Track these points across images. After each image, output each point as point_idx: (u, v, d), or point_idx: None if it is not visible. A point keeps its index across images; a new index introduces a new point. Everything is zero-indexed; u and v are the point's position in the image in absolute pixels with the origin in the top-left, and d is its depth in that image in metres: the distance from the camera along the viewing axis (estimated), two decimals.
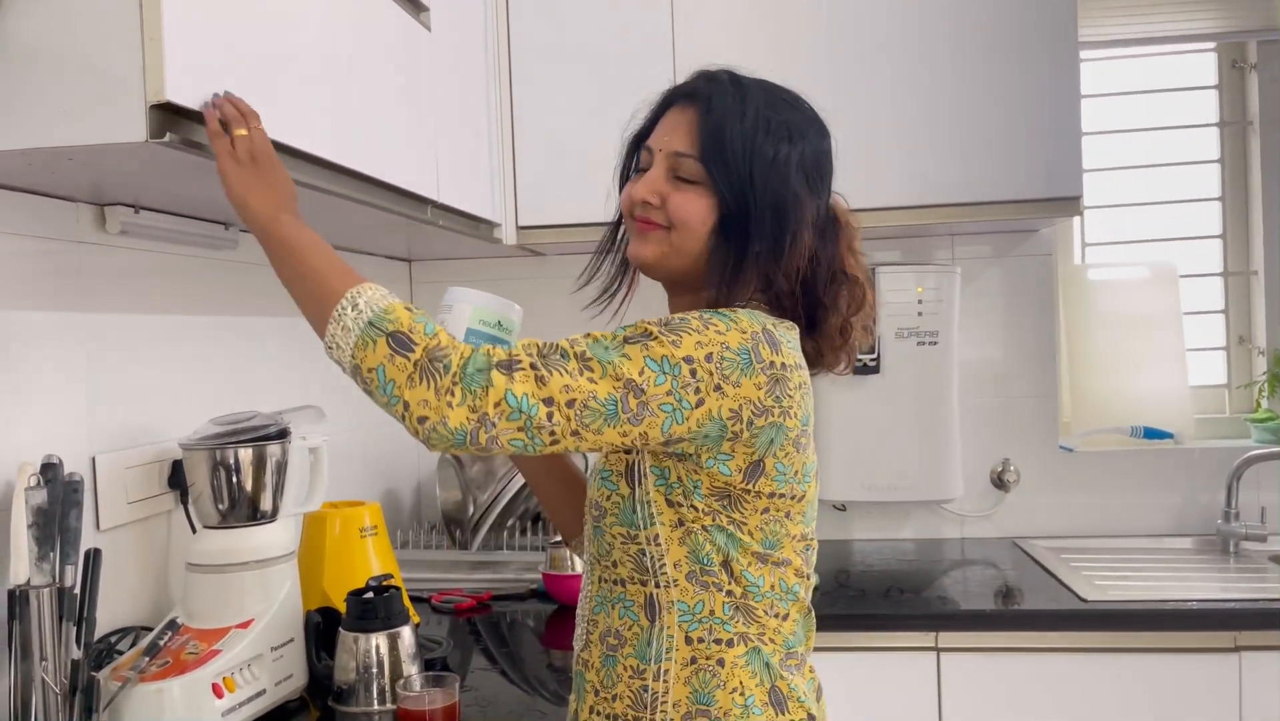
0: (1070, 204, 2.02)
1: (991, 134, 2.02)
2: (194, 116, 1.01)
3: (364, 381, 0.96)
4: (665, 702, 1.04)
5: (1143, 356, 2.41)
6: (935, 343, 2.20)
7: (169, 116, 0.98)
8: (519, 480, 2.13)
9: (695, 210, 1.07)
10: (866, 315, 1.15)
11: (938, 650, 1.80)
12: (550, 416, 0.92)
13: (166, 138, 0.98)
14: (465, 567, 2.09)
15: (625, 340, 0.98)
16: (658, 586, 1.05)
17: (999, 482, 2.35)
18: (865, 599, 1.93)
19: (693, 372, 0.96)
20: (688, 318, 1.00)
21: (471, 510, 2.16)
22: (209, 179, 1.21)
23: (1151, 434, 2.34)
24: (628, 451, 1.05)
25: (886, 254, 2.37)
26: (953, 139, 2.02)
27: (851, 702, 1.69)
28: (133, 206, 1.39)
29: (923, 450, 2.22)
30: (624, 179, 1.17)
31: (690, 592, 1.04)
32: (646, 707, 1.05)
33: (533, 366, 0.94)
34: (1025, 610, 1.82)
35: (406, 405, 0.92)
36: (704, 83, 1.10)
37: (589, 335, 0.99)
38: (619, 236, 1.19)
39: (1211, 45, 2.48)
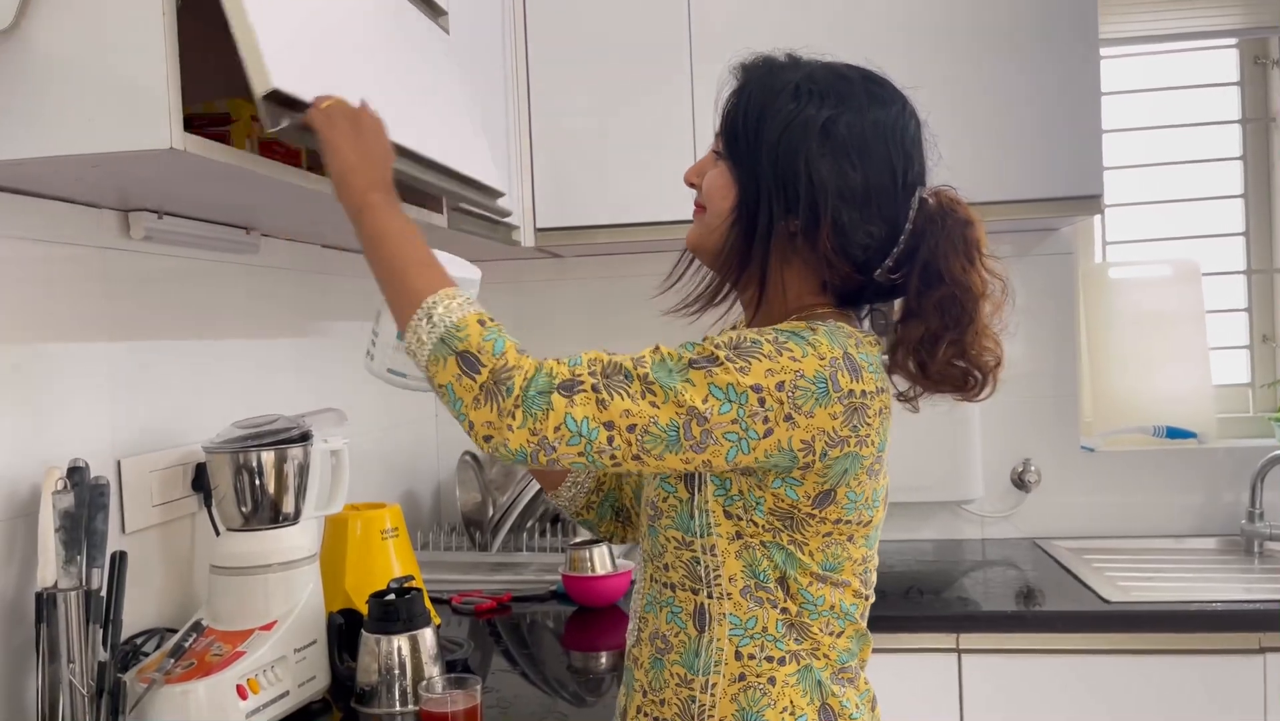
0: (1091, 202, 2.01)
1: (1011, 132, 2.01)
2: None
3: (437, 391, 0.96)
4: (712, 717, 1.03)
5: (1165, 355, 2.40)
6: None
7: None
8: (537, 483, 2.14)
9: (718, 185, 1.05)
10: (975, 332, 1.03)
11: (959, 651, 1.79)
12: (611, 440, 0.92)
13: (187, 148, 0.98)
14: (485, 569, 2.10)
15: (690, 363, 0.94)
16: (710, 597, 1.03)
17: (1020, 483, 2.34)
18: (886, 600, 1.91)
19: (761, 401, 0.93)
20: (760, 340, 0.96)
21: (491, 511, 2.17)
22: (230, 183, 1.22)
23: (1174, 433, 2.33)
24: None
25: None
26: (971, 137, 2.01)
27: None
28: (156, 212, 1.41)
29: (942, 450, 2.22)
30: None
31: (744, 607, 1.02)
32: (694, 719, 1.03)
33: (594, 388, 0.92)
34: (1046, 611, 1.82)
35: (472, 424, 0.93)
36: (743, 71, 1.08)
37: (656, 351, 0.96)
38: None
39: (1233, 41, 2.46)
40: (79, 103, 0.97)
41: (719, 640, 1.02)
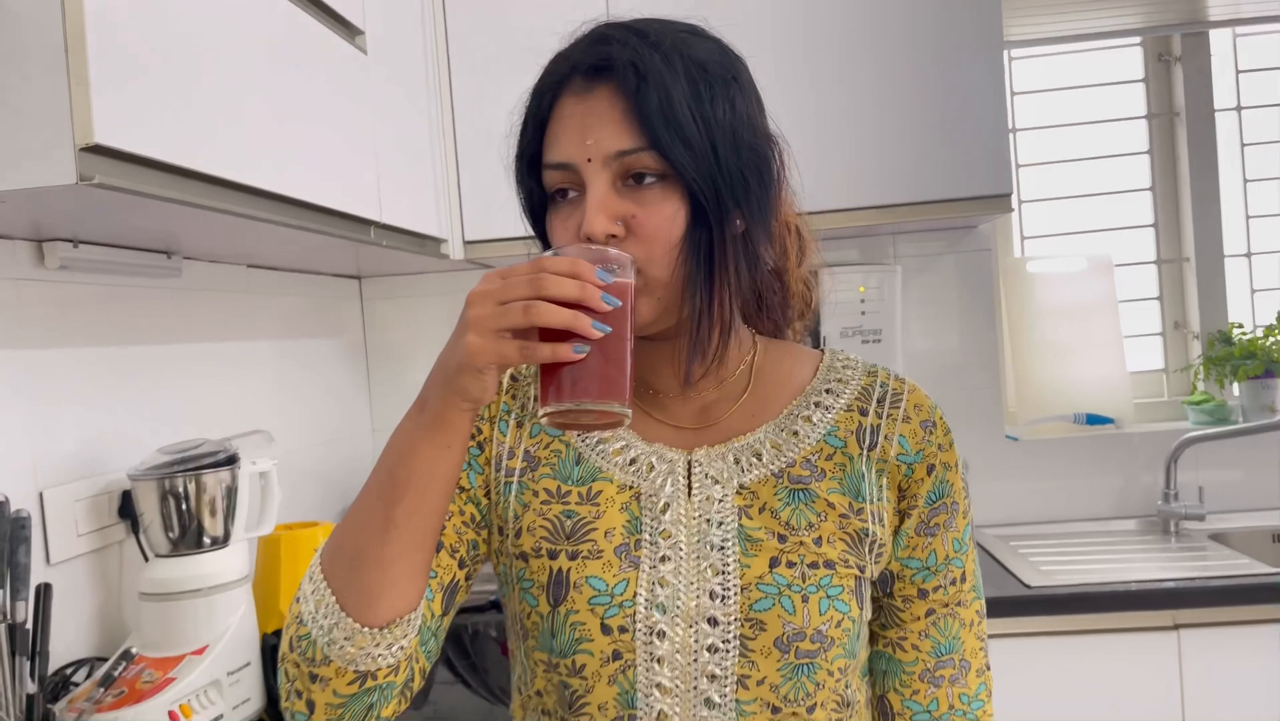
0: (1001, 201, 2.07)
1: (921, 134, 2.06)
2: (122, 156, 1.03)
3: None
4: None
5: (1083, 344, 2.48)
6: (879, 340, 2.25)
7: (98, 158, 1.00)
8: None
9: (664, 212, 0.81)
10: (807, 266, 0.98)
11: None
12: None
13: (96, 179, 0.99)
14: None
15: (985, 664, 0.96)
16: None
17: None
18: None
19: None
20: (964, 545, 0.93)
21: None
22: (144, 212, 1.23)
23: (1093, 420, 2.41)
24: (860, 567, 0.87)
25: (833, 254, 2.41)
26: (884, 140, 2.06)
27: None
28: (71, 241, 1.40)
29: None
30: (537, 224, 0.89)
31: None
32: None
33: None
34: None
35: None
36: (614, 47, 0.82)
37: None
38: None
39: (1137, 40, 2.55)
40: None
41: None
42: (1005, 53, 2.44)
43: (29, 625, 1.19)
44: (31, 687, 1.16)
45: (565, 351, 0.73)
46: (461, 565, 0.91)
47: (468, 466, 0.93)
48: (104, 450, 1.49)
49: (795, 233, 0.98)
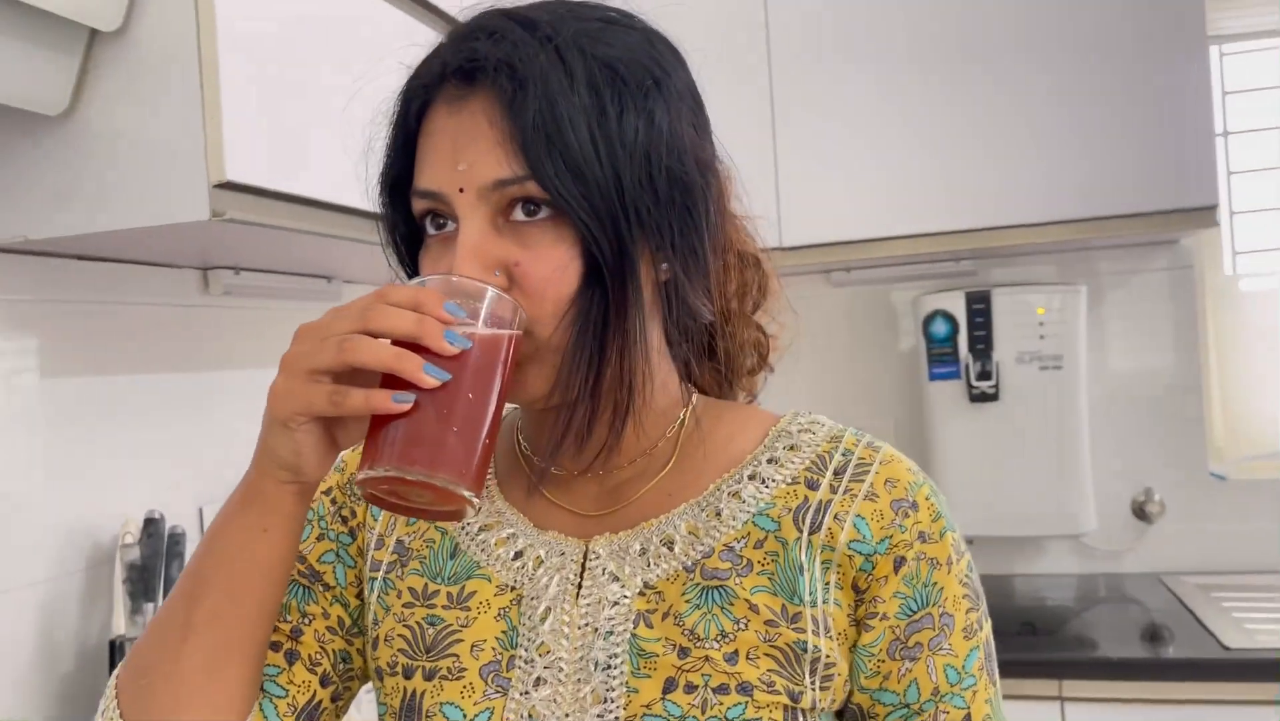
0: (1206, 214, 1.87)
1: (1115, 141, 1.89)
2: (251, 190, 1.06)
3: None
4: None
5: None
6: (1060, 366, 2.08)
7: (229, 193, 1.03)
8: None
9: (553, 260, 0.62)
10: (770, 306, 0.80)
11: (1061, 700, 1.69)
12: None
13: (227, 215, 1.03)
14: None
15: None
16: None
17: (1141, 514, 2.19)
18: None
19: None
20: (967, 595, 0.69)
21: None
22: (294, 243, 1.28)
23: None
24: (794, 695, 0.66)
25: (1011, 272, 2.25)
26: (1072, 148, 1.90)
27: None
28: (234, 269, 1.48)
29: (1050, 480, 2.10)
30: (402, 258, 0.71)
31: None
32: None
33: None
34: (1156, 659, 1.69)
35: None
36: (483, 43, 0.62)
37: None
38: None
39: None
40: (128, 180, 1.03)
41: None
42: (1216, 49, 2.21)
43: None
44: None
45: (381, 400, 0.57)
46: (325, 681, 0.73)
47: (335, 558, 0.75)
48: None
49: (753, 265, 0.78)
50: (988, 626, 0.71)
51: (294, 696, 0.71)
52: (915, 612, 0.66)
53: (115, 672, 0.68)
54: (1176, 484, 2.18)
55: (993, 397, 2.08)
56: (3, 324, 1.17)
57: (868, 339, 2.35)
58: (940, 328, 2.12)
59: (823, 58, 2.01)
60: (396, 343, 0.57)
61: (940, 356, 2.12)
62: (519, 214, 0.62)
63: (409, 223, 0.69)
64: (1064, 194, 1.91)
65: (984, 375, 2.07)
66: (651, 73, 0.64)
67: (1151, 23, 1.88)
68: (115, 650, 1.18)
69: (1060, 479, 2.09)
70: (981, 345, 2.09)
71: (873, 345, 2.34)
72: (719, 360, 0.78)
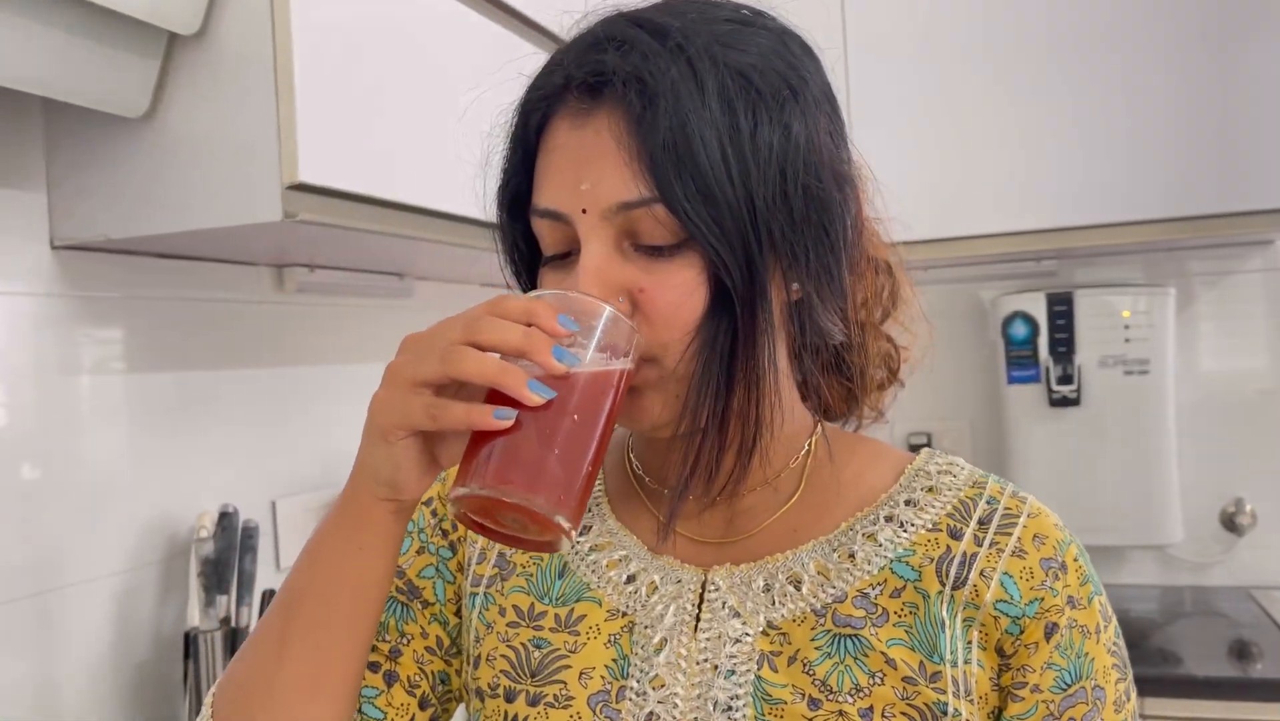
0: None
1: (1207, 136, 1.82)
2: (322, 191, 1.07)
3: None
4: None
5: None
6: (1146, 371, 2.01)
7: (302, 195, 1.04)
8: None
9: (681, 288, 0.59)
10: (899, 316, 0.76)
11: (1143, 718, 1.63)
12: None
13: (300, 216, 1.04)
14: None
15: None
16: None
17: (1230, 525, 2.10)
18: None
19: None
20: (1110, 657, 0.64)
21: None
22: (366, 241, 1.29)
23: None
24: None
25: (1097, 272, 2.18)
26: (1162, 143, 1.83)
27: None
28: (308, 266, 1.50)
29: (1135, 489, 2.03)
30: (519, 275, 0.70)
31: None
32: None
33: None
34: (1244, 677, 1.62)
35: None
36: (610, 55, 0.59)
37: None
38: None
39: None
40: (203, 180, 1.05)
41: None
42: None
43: (251, 629, 1.27)
44: None
45: (481, 415, 0.53)
46: (425, 704, 0.71)
47: (435, 573, 0.73)
48: (335, 462, 1.58)
49: (885, 271, 0.73)
50: (1134, 696, 0.67)
51: (392, 719, 0.69)
52: (1069, 686, 0.62)
53: (211, 691, 0.67)
54: (1268, 494, 2.09)
55: (1074, 402, 2.02)
56: (87, 320, 1.20)
57: (944, 340, 2.29)
58: (1020, 329, 2.06)
59: (900, 51, 1.97)
60: (506, 358, 0.55)
61: (1019, 359, 2.06)
62: (635, 249, 0.60)
63: (529, 240, 0.66)
64: (1151, 192, 1.84)
65: (1065, 379, 2.01)
66: (788, 80, 0.61)
67: (1244, 12, 1.80)
68: (190, 642, 1.20)
69: (1145, 487, 2.02)
70: (1063, 348, 2.02)
71: (949, 346, 2.29)
72: (845, 374, 0.74)
